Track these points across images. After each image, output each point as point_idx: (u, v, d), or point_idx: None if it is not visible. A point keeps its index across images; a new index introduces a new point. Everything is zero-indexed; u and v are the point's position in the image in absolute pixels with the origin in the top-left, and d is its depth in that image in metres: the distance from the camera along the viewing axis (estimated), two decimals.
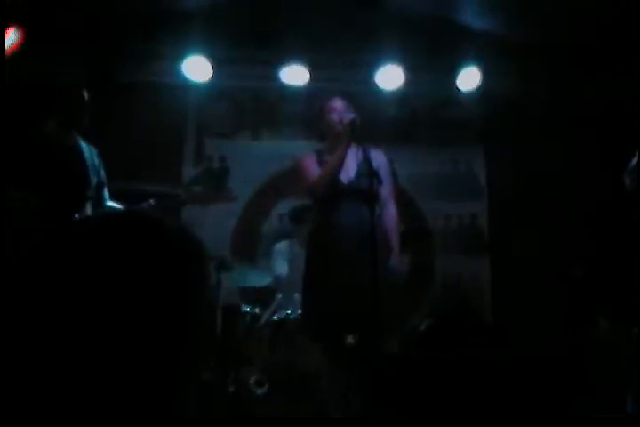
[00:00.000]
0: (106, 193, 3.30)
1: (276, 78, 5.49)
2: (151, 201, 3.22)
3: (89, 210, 3.14)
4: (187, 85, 5.44)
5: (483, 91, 5.63)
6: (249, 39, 5.29)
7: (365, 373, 2.93)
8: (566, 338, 4.82)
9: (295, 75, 5.46)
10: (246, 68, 5.56)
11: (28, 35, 4.52)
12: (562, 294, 5.20)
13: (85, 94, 3.20)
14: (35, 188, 2.88)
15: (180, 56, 5.29)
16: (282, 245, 4.69)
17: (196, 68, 5.34)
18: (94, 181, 3.21)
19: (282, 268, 4.52)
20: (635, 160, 3.22)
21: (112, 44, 5.12)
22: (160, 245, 0.89)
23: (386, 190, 3.23)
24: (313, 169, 3.24)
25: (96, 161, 3.27)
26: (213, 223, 5.14)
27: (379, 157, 3.24)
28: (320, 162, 3.26)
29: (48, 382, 0.80)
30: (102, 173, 3.29)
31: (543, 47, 5.35)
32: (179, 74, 5.33)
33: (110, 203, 3.32)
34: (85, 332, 0.81)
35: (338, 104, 3.29)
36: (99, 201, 3.24)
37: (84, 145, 3.25)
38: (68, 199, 3.03)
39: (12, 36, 4.54)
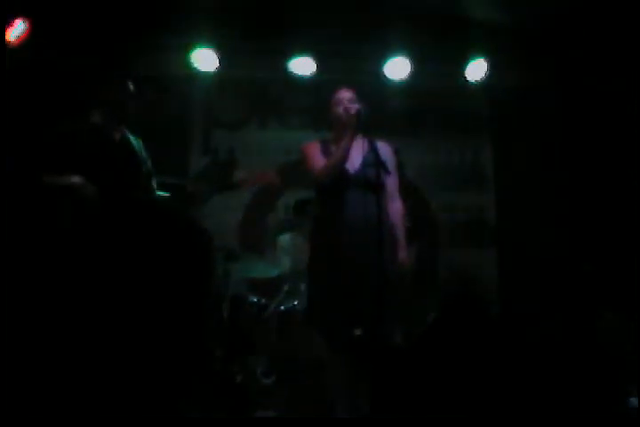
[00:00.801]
0: (154, 183, 3.32)
1: (284, 69, 5.49)
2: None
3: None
4: (194, 76, 5.45)
5: (490, 82, 5.62)
6: (257, 30, 5.28)
7: (370, 366, 2.94)
8: (572, 330, 4.83)
9: (303, 65, 5.46)
10: (254, 59, 5.56)
11: (37, 27, 4.53)
12: (568, 285, 5.20)
13: (131, 86, 3.22)
14: (93, 178, 2.93)
15: (187, 47, 5.30)
16: (284, 239, 4.71)
17: (204, 59, 5.35)
18: (145, 171, 3.25)
19: (285, 262, 4.54)
20: None
21: (120, 35, 5.11)
22: (169, 235, 0.91)
23: (391, 183, 3.22)
24: (317, 158, 3.23)
25: (143, 152, 3.31)
26: (221, 214, 5.16)
27: (385, 149, 3.24)
28: (325, 151, 3.25)
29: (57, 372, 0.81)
30: (149, 163, 3.32)
31: (550, 38, 5.33)
32: (186, 65, 5.33)
33: (159, 193, 3.34)
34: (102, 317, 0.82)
35: (344, 95, 3.29)
36: (148, 191, 3.25)
37: (131, 137, 3.28)
38: (123, 189, 3.07)
39: (18, 27, 4.55)
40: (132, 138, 3.28)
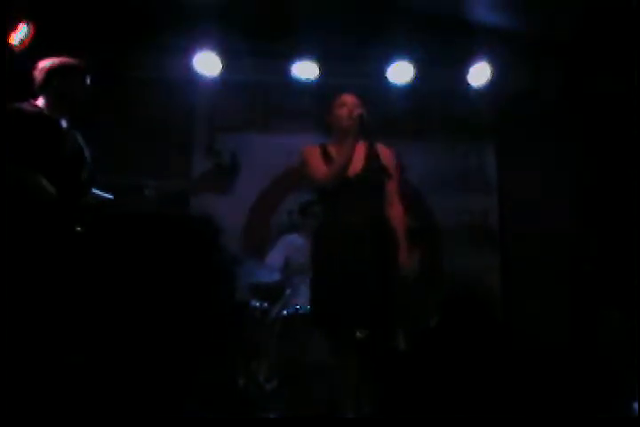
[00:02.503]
0: (92, 178, 3.23)
1: (287, 72, 5.50)
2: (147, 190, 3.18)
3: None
4: (197, 79, 5.46)
5: (493, 86, 5.62)
6: (259, 33, 5.29)
7: (374, 369, 2.92)
8: (576, 334, 4.82)
9: (305, 69, 5.47)
10: (257, 62, 5.57)
11: (38, 28, 4.53)
12: (572, 290, 5.19)
13: (87, 79, 3.15)
14: (41, 169, 2.87)
15: (191, 50, 5.31)
16: (289, 238, 4.69)
17: (207, 63, 5.36)
18: (88, 164, 3.19)
19: (287, 262, 4.52)
20: None
21: (123, 38, 5.12)
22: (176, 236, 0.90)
23: (391, 187, 3.21)
24: (317, 163, 3.21)
25: (86, 149, 3.25)
26: (224, 219, 5.15)
27: (386, 153, 3.23)
28: (325, 155, 3.24)
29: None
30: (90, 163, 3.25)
31: (553, 42, 5.33)
32: (189, 68, 5.35)
33: (95, 190, 3.26)
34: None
35: (348, 99, 3.28)
36: (88, 186, 3.18)
37: (77, 133, 3.22)
38: (71, 182, 3.02)
39: (22, 31, 4.55)
40: (73, 130, 3.21)
